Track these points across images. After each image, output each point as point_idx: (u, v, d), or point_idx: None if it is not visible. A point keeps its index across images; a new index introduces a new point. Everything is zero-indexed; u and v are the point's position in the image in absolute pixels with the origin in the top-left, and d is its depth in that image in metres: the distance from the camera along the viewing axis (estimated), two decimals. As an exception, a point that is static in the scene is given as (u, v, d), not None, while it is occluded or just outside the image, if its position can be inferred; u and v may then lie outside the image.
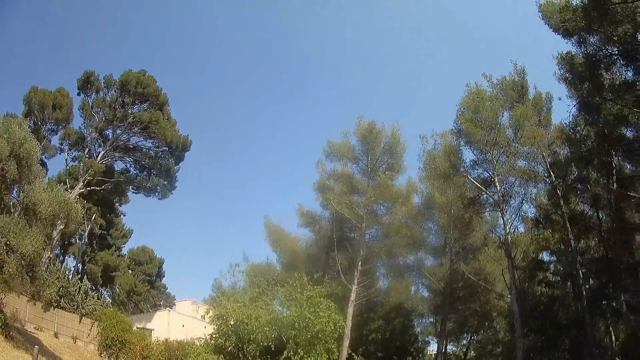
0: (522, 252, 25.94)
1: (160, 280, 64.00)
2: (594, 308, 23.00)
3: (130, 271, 54.62)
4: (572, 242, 23.37)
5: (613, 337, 24.54)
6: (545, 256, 28.37)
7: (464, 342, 36.73)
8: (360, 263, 26.40)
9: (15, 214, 18.64)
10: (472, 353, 35.85)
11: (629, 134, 20.96)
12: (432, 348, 36.74)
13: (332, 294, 26.29)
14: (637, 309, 21.93)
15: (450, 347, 37.23)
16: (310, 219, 31.01)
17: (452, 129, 24.88)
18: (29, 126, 35.71)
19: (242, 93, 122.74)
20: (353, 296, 26.03)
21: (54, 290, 21.24)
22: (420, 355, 35.61)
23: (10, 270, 16.90)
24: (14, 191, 19.72)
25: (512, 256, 23.86)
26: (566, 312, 26.28)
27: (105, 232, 48.68)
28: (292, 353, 23.89)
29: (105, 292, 51.62)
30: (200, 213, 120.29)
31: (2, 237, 16.89)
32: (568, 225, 23.28)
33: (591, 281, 25.12)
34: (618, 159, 22.39)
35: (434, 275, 29.78)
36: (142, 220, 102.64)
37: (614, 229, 22.18)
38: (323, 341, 24.06)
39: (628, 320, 21.75)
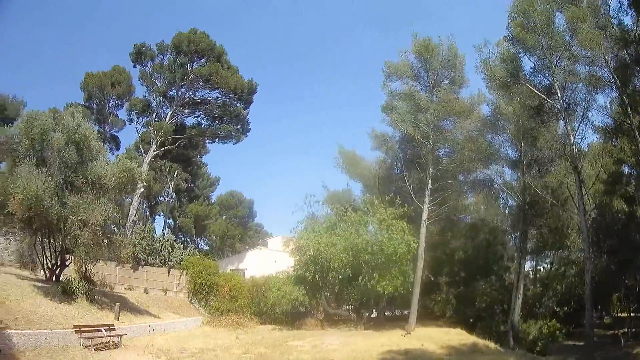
0: (590, 164, 24.41)
1: (253, 221, 66.55)
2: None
3: (223, 217, 57.81)
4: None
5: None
6: (626, 169, 26.00)
7: (547, 260, 35.48)
8: (430, 181, 25.88)
9: (86, 192, 21.07)
10: (548, 271, 34.44)
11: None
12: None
13: (405, 215, 25.83)
14: None
15: (533, 265, 36.39)
16: (382, 141, 30.54)
17: (505, 36, 24.04)
18: (92, 108, 39.36)
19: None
20: (425, 215, 25.60)
21: (130, 250, 24.00)
22: (506, 274, 33.84)
23: (85, 240, 19.44)
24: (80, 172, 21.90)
25: (579, 169, 22.49)
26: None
27: (192, 185, 52.69)
28: (367, 278, 24.08)
29: (202, 241, 56.69)
30: (283, 150, 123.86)
31: (72, 215, 19.37)
32: (637, 135, 20.67)
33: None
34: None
35: (511, 189, 28.30)
36: (231, 168, 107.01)
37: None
38: (398, 263, 23.97)
39: None
